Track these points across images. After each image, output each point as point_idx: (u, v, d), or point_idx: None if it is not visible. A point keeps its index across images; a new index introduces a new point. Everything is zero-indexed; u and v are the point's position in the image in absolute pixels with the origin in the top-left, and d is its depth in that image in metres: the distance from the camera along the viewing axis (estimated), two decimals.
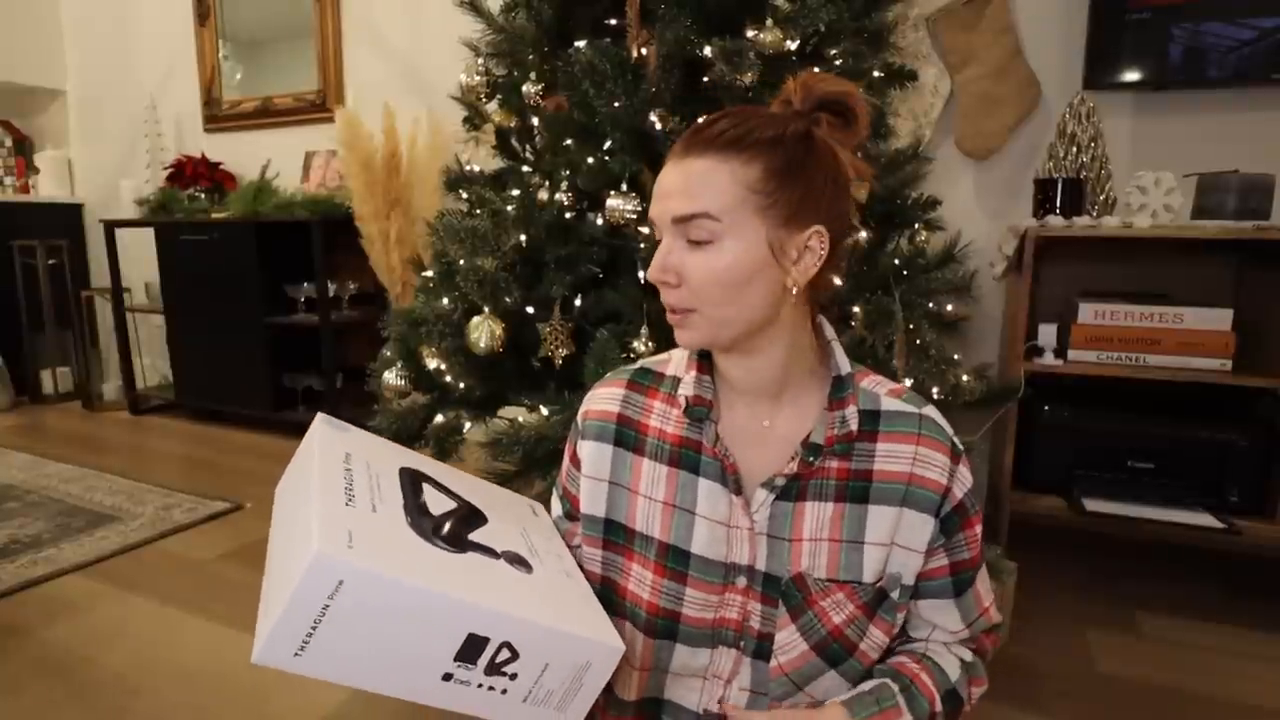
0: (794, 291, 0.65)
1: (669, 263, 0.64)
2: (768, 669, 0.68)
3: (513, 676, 0.57)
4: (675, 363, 0.76)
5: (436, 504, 0.65)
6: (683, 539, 0.69)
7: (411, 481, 0.65)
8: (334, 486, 0.57)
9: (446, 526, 0.62)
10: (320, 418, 0.68)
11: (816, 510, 0.67)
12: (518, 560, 0.64)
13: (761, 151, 0.62)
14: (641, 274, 1.32)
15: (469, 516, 0.66)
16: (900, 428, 0.68)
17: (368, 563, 0.50)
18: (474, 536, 0.63)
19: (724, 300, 0.63)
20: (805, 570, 0.67)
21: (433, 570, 0.55)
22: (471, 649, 0.55)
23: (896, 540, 0.67)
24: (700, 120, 0.67)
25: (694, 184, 0.62)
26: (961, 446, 0.69)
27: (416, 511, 0.61)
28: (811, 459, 0.67)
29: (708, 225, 0.62)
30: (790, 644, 0.67)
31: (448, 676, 0.55)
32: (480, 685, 0.56)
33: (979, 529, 0.71)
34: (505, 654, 0.56)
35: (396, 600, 0.51)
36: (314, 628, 0.50)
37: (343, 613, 0.50)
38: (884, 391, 0.70)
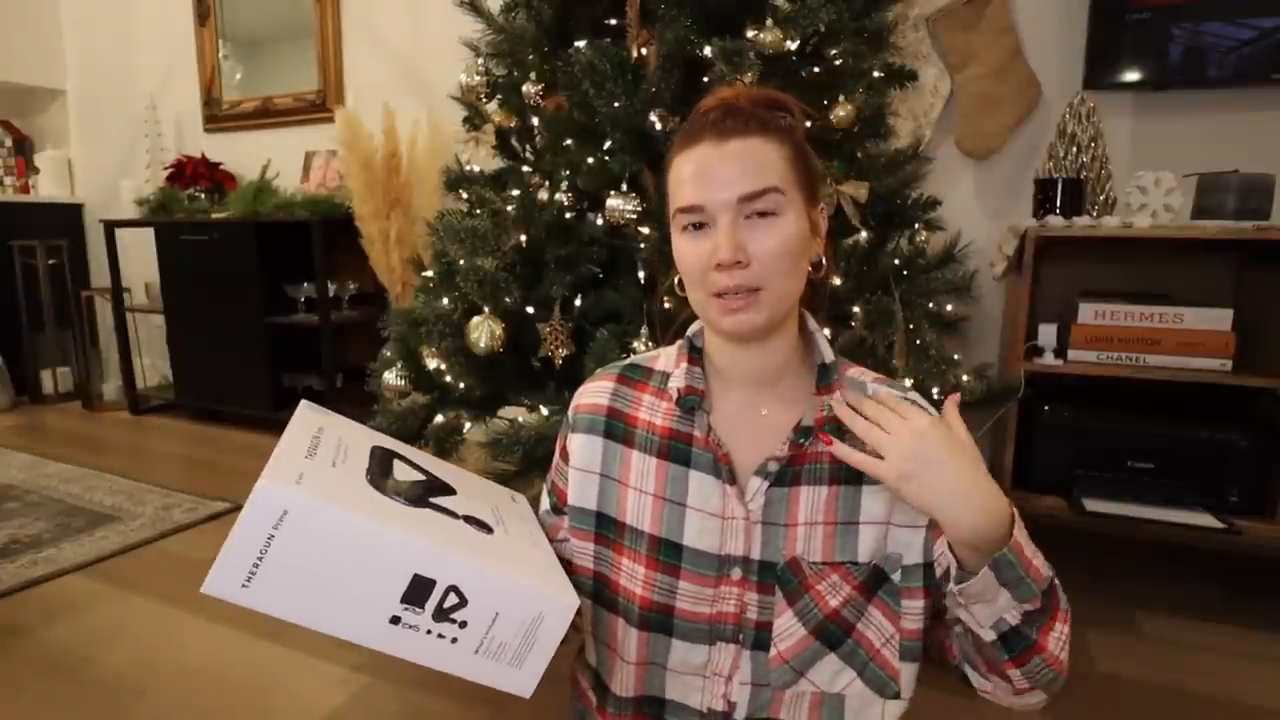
0: (820, 266, 0.70)
1: (738, 241, 0.63)
2: (767, 659, 0.68)
3: (462, 625, 0.57)
4: (664, 358, 0.76)
5: (405, 475, 0.65)
6: (674, 532, 0.69)
7: (382, 455, 0.66)
8: (296, 446, 0.59)
9: (406, 488, 0.62)
10: (304, 403, 0.69)
11: (811, 494, 0.68)
12: (478, 523, 0.64)
13: (786, 134, 0.66)
14: (641, 274, 1.32)
15: (435, 487, 0.66)
16: None
17: (312, 496, 0.52)
18: (436, 500, 0.64)
19: (788, 271, 0.65)
20: (800, 554, 0.67)
21: (380, 512, 0.56)
22: (418, 591, 0.55)
23: (894, 520, 0.67)
24: (710, 109, 0.67)
25: (754, 161, 0.63)
26: None
27: (379, 474, 0.62)
28: (802, 441, 0.67)
29: (775, 200, 0.63)
30: (788, 630, 0.68)
31: (396, 620, 0.56)
32: (430, 632, 0.57)
33: None
34: (453, 599, 0.56)
35: (339, 534, 0.53)
36: (260, 558, 0.51)
37: (287, 545, 0.51)
38: (869, 379, 0.72)
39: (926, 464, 0.58)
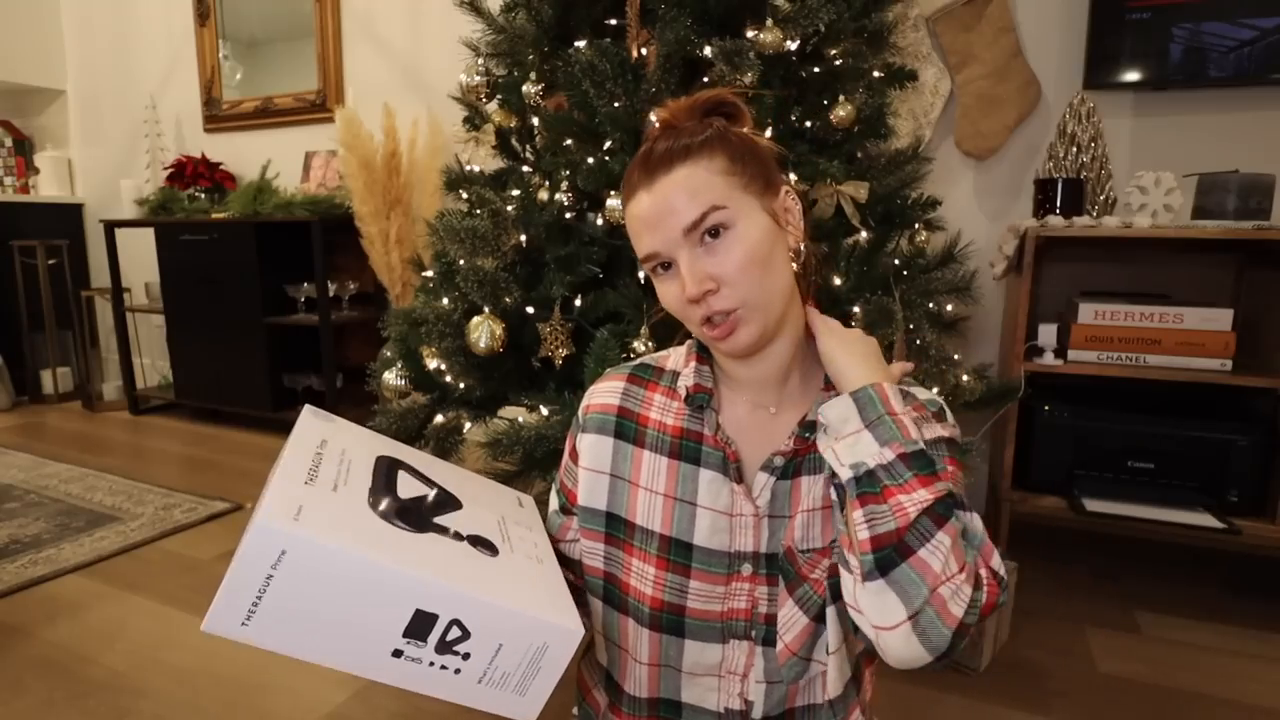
0: (801, 250, 0.70)
1: (700, 272, 0.64)
2: (776, 655, 0.69)
3: (465, 656, 0.57)
4: (674, 358, 0.77)
5: (409, 490, 0.64)
6: (684, 531, 0.69)
7: (387, 468, 0.65)
8: (297, 468, 0.58)
9: (410, 508, 0.61)
10: (307, 409, 0.68)
11: (810, 483, 0.69)
12: (483, 543, 0.63)
13: (712, 147, 0.66)
14: (641, 274, 1.32)
15: (441, 502, 0.65)
16: None
17: (312, 533, 0.51)
18: (440, 520, 0.62)
19: (762, 278, 0.64)
20: (795, 542, 0.68)
21: (382, 545, 0.54)
22: (420, 625, 0.55)
23: None
24: (638, 154, 0.68)
25: (685, 191, 0.64)
26: (949, 416, 0.71)
27: (382, 493, 0.61)
28: (807, 435, 0.68)
29: (719, 216, 0.63)
30: (791, 620, 0.68)
31: (398, 653, 0.55)
32: (433, 664, 0.56)
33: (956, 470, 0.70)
34: (456, 632, 0.56)
35: (340, 572, 0.52)
36: (259, 597, 0.51)
37: (287, 583, 0.51)
38: None
39: (845, 335, 0.69)
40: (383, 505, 0.59)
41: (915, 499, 0.58)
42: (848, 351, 0.67)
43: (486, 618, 0.56)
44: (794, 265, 0.69)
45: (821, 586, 0.68)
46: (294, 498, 0.54)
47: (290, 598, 0.51)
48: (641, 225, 0.66)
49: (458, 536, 0.62)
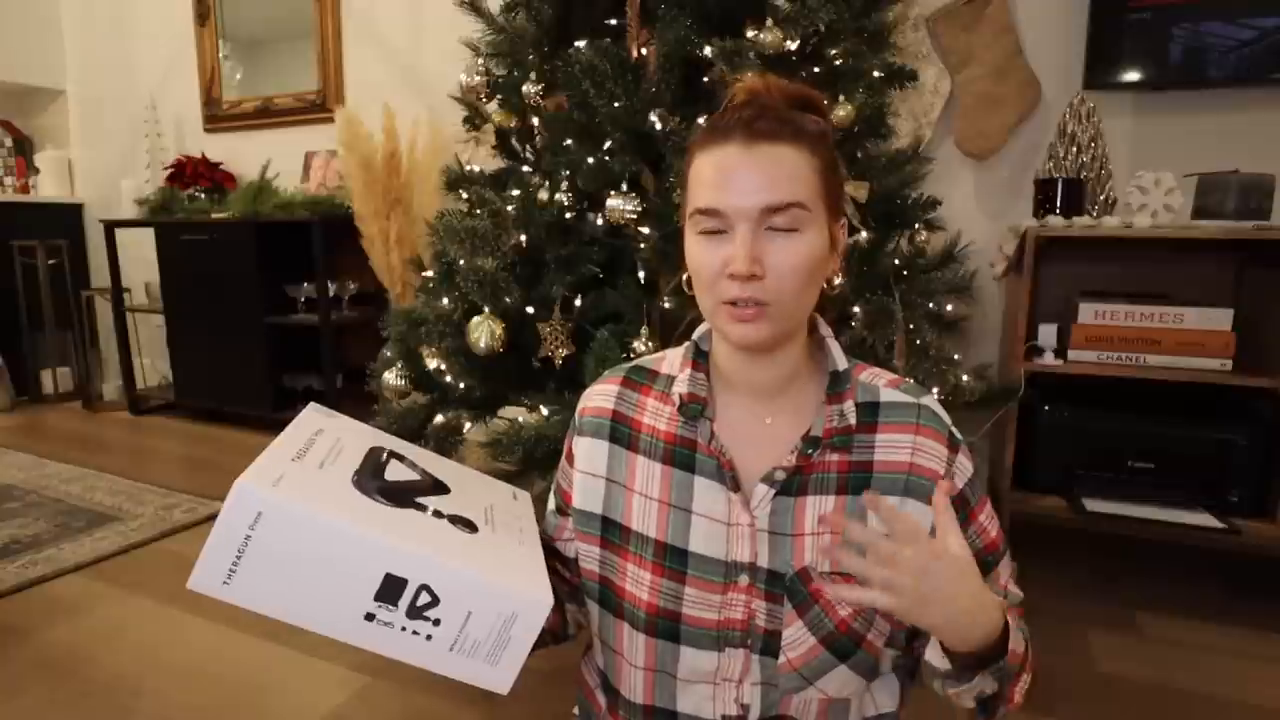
0: (835, 283, 0.68)
1: (756, 253, 0.61)
2: (776, 664, 0.68)
3: (436, 622, 0.58)
4: (669, 361, 0.75)
5: (397, 475, 0.66)
6: (680, 538, 0.69)
7: (376, 456, 0.67)
8: (287, 447, 0.60)
9: (392, 489, 0.63)
10: (311, 405, 0.70)
11: (818, 504, 0.67)
12: (463, 522, 0.64)
13: (817, 144, 0.63)
14: (641, 274, 1.32)
15: (428, 487, 0.67)
16: (898, 418, 0.68)
17: (286, 498, 0.53)
18: (422, 500, 0.64)
19: (800, 290, 0.62)
20: (810, 564, 0.67)
21: (355, 513, 0.57)
22: (391, 589, 0.56)
23: None
24: (741, 106, 0.65)
25: (783, 172, 0.61)
26: (960, 437, 0.69)
27: (367, 475, 0.63)
28: (810, 451, 0.66)
29: (798, 215, 0.61)
30: (798, 639, 0.67)
31: (370, 617, 0.57)
32: (404, 629, 0.58)
33: (988, 516, 0.70)
34: (425, 597, 0.57)
35: (313, 535, 0.54)
36: (239, 557, 0.53)
37: (264, 545, 0.53)
38: (882, 383, 0.70)
39: (932, 600, 0.56)
40: (366, 484, 0.61)
41: (1024, 686, 0.65)
42: (962, 612, 0.57)
43: (454, 584, 0.57)
44: (823, 289, 0.68)
45: (834, 610, 0.66)
46: (278, 468, 0.56)
47: (268, 559, 0.54)
48: (717, 178, 0.61)
49: (438, 514, 0.63)
